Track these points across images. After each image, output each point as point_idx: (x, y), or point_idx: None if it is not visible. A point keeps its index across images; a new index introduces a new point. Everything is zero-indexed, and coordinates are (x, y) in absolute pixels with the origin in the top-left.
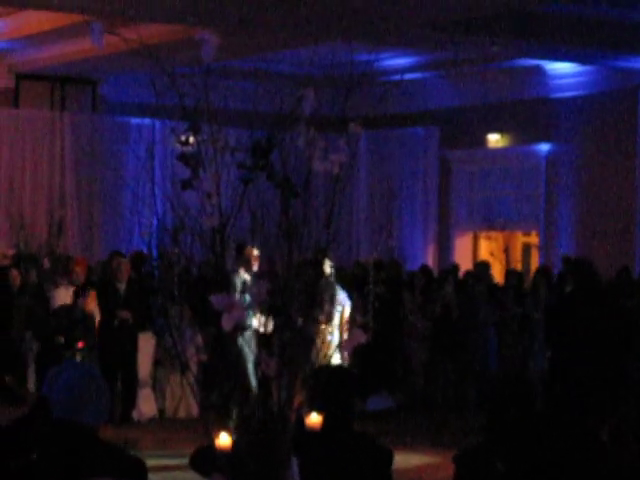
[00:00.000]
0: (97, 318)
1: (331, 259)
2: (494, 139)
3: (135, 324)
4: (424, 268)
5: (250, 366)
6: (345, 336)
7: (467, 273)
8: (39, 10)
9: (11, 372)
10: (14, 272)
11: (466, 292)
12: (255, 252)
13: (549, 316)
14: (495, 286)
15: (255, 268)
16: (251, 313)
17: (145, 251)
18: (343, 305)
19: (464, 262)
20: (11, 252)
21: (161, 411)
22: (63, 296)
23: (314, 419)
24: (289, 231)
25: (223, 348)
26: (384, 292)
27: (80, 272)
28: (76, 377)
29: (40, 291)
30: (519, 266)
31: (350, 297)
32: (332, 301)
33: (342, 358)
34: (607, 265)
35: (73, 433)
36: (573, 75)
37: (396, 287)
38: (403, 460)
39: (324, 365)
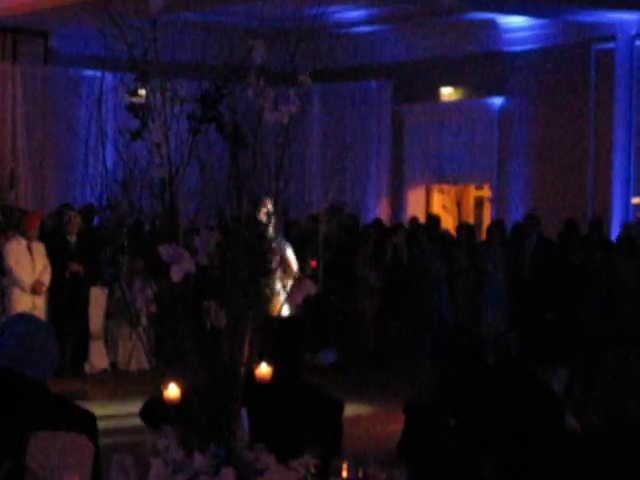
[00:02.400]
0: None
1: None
2: (447, 92)
3: (86, 277)
4: (376, 221)
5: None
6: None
7: (417, 225)
8: None
9: None
10: None
11: (417, 244)
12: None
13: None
14: (446, 239)
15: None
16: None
17: (95, 203)
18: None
19: (417, 215)
20: None
21: (113, 364)
22: (16, 250)
23: (263, 370)
24: (238, 182)
25: (173, 299)
26: (336, 239)
27: (34, 225)
28: (26, 328)
29: None
30: (472, 219)
31: (302, 248)
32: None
33: (291, 309)
34: (559, 220)
35: (21, 385)
36: (526, 29)
37: (349, 239)
38: (354, 411)
39: (274, 316)
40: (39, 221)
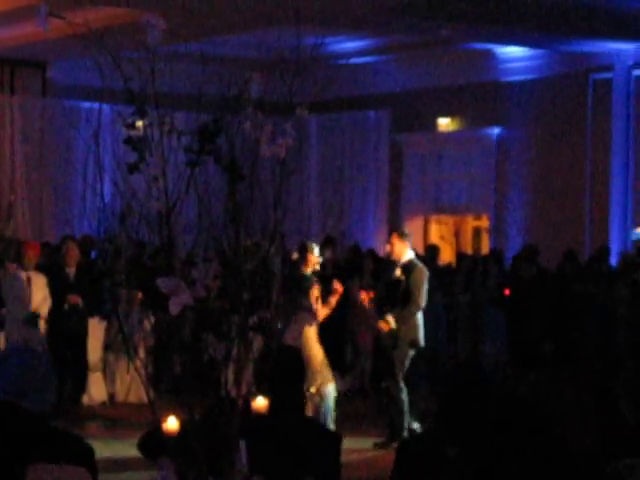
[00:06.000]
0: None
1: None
2: (444, 123)
3: (85, 309)
4: (371, 252)
5: None
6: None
7: (417, 256)
8: None
9: None
10: None
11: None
12: (316, 251)
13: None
14: (443, 270)
15: (317, 267)
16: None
17: (94, 235)
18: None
19: (415, 246)
20: None
21: (111, 396)
22: (13, 281)
23: (260, 403)
24: (236, 214)
25: (171, 332)
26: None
27: (32, 257)
28: (24, 361)
29: None
30: (469, 250)
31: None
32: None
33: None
34: (557, 250)
35: (19, 417)
36: (524, 59)
37: (346, 271)
38: (353, 444)
39: (272, 348)
40: (37, 251)
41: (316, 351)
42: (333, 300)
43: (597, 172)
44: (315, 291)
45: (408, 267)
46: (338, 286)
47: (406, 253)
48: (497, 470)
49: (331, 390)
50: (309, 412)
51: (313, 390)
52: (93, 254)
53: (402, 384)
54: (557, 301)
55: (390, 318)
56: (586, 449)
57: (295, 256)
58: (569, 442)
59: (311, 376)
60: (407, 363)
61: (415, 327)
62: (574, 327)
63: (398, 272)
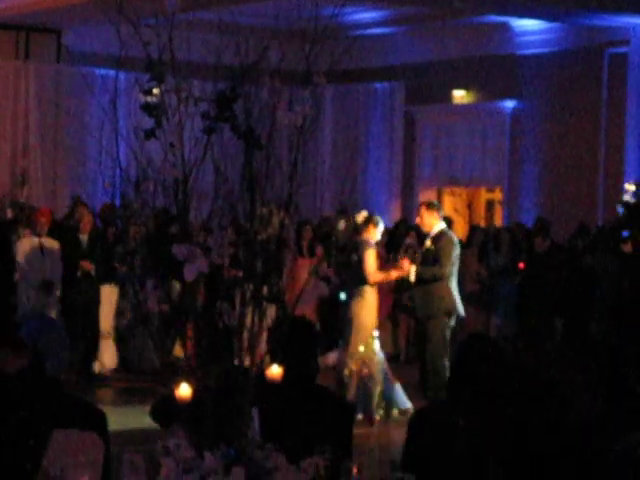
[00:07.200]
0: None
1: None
2: (459, 95)
3: (98, 275)
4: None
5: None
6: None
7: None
8: None
9: None
10: None
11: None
12: (380, 226)
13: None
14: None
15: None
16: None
17: (109, 202)
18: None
19: None
20: None
21: (123, 362)
22: (27, 247)
23: (275, 371)
24: (252, 183)
25: (186, 299)
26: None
27: (44, 223)
28: (38, 326)
29: None
30: (482, 222)
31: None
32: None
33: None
34: (570, 224)
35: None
36: (540, 32)
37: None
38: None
39: (286, 317)
40: (49, 218)
41: (363, 319)
42: (394, 274)
43: (611, 146)
44: (372, 256)
45: (437, 237)
46: (406, 264)
47: (436, 224)
48: (508, 441)
49: (378, 368)
50: (350, 394)
51: (353, 366)
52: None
53: (444, 354)
54: (569, 275)
55: (407, 264)
56: (594, 421)
57: (360, 219)
58: (577, 413)
59: (354, 345)
60: (448, 333)
61: (449, 296)
62: (585, 301)
63: (428, 243)
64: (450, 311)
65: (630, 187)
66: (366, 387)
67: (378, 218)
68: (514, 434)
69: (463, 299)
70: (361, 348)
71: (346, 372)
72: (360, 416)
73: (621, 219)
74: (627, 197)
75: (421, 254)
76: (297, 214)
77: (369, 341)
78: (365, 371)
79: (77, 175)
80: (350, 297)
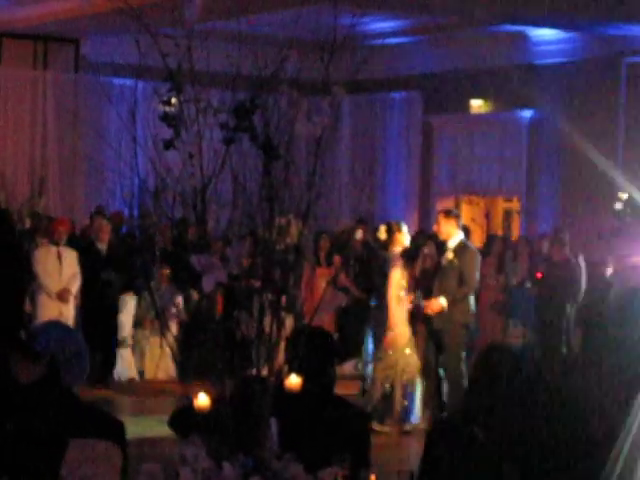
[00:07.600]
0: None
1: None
2: (477, 105)
3: (117, 285)
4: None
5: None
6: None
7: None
8: None
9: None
10: None
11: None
12: (404, 230)
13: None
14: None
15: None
16: None
17: (127, 211)
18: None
19: None
20: None
21: (141, 372)
22: (44, 256)
23: (293, 381)
24: (270, 193)
25: (204, 309)
26: (364, 254)
27: (62, 232)
28: (58, 335)
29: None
30: (500, 232)
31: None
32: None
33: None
34: (588, 232)
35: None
36: (557, 42)
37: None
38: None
39: (304, 327)
40: (67, 227)
41: (398, 334)
42: (429, 309)
43: (629, 156)
44: (398, 273)
45: (460, 250)
46: (435, 305)
47: (455, 233)
48: (526, 451)
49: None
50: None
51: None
52: (124, 229)
53: (463, 366)
54: (587, 286)
55: (442, 299)
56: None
57: (383, 236)
58: (596, 423)
59: (387, 358)
60: (463, 344)
61: (469, 310)
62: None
63: (450, 255)
64: (467, 323)
65: None
66: (391, 395)
67: (399, 223)
68: (532, 445)
69: (481, 308)
70: (394, 354)
71: (378, 381)
72: (380, 426)
73: None
74: None
75: (442, 267)
76: (315, 224)
77: (404, 348)
78: (405, 377)
79: (95, 185)
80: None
